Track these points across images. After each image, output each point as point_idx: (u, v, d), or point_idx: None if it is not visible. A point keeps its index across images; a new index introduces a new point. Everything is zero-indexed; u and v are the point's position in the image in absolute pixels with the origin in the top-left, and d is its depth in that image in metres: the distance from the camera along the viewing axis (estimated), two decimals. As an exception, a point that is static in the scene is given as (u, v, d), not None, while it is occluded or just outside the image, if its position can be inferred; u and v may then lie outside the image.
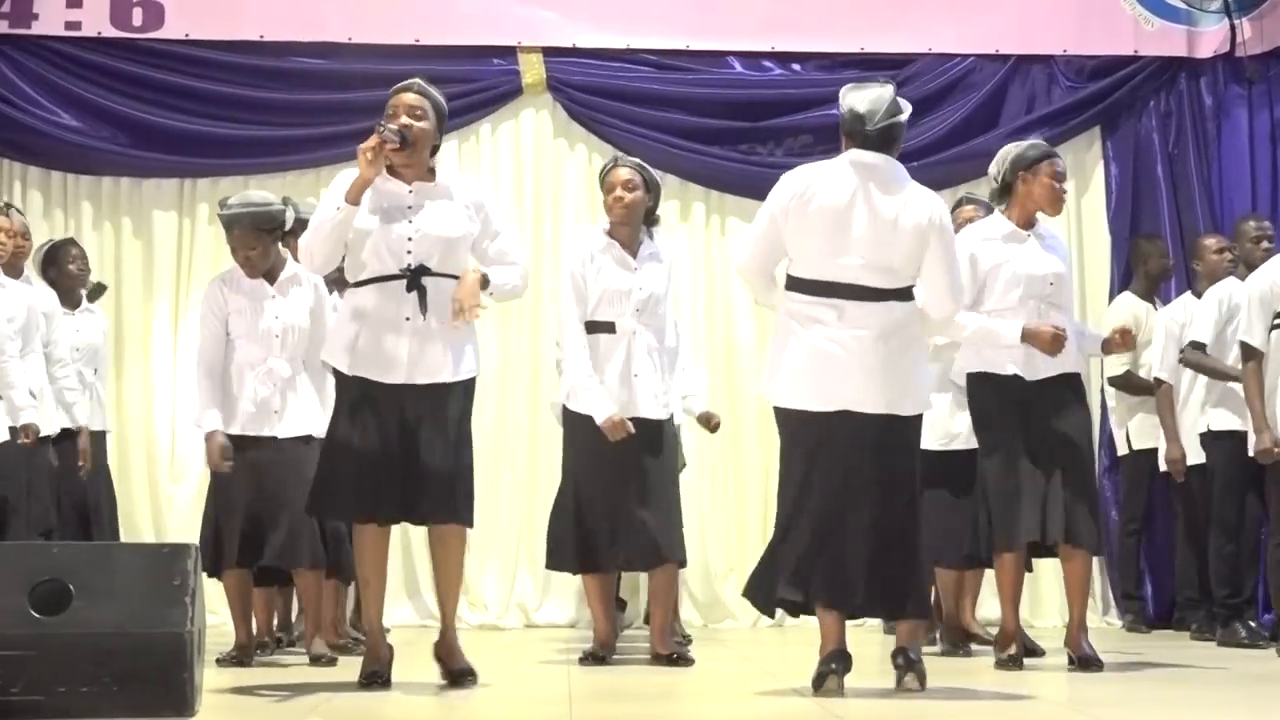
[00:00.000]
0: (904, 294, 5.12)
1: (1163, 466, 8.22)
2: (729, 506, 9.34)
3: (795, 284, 5.11)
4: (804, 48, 9.62)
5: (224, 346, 6.30)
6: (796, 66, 9.68)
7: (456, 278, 5.13)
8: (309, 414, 6.35)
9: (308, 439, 6.28)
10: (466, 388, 5.24)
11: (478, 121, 9.52)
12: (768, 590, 5.18)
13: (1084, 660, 6.10)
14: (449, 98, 8.13)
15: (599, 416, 6.10)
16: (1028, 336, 5.95)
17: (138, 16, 9.22)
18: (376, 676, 5.29)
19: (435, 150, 5.24)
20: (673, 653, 6.40)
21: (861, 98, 5.15)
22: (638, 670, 6.20)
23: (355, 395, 5.16)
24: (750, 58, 9.65)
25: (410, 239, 5.08)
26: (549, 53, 9.44)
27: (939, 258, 5.11)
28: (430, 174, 5.22)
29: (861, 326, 5.01)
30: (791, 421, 5.10)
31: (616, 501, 6.25)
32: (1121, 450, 8.86)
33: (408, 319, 5.10)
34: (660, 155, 8.53)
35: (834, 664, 5.03)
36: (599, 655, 6.42)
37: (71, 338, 7.87)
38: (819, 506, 5.04)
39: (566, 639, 7.92)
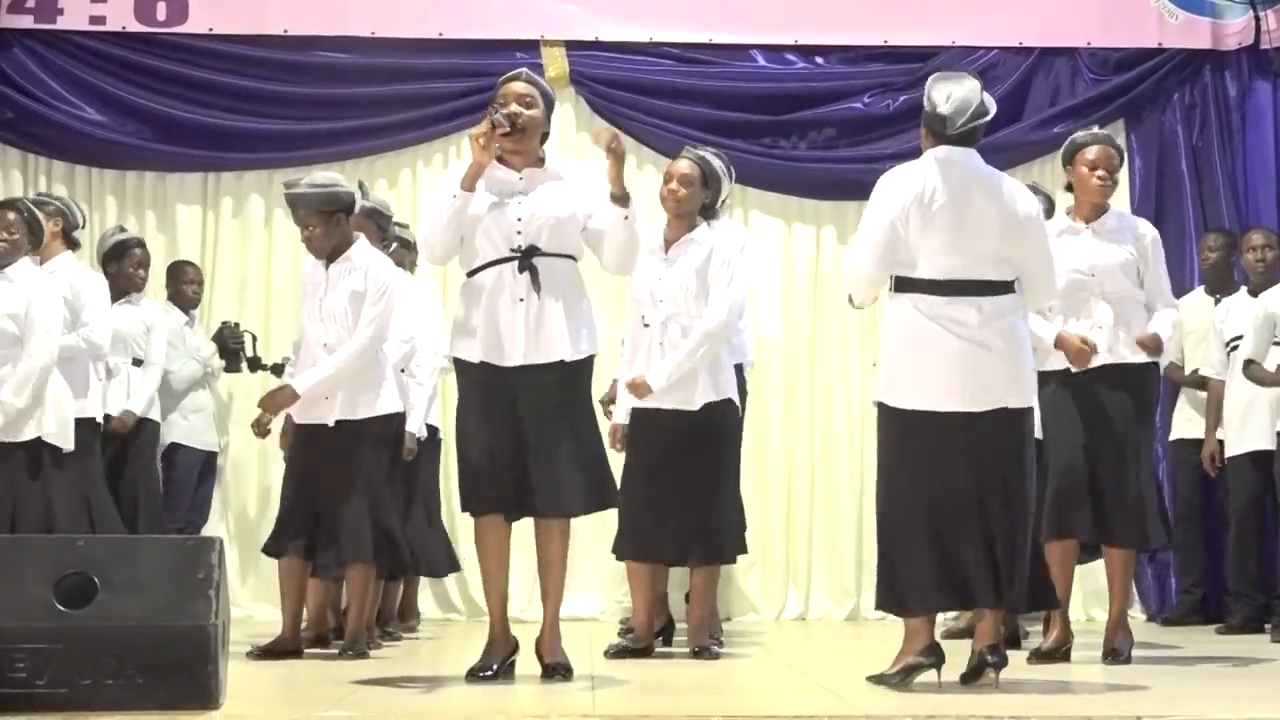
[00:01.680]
0: (1012, 286, 5.14)
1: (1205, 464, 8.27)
2: (751, 501, 8.97)
3: (925, 286, 5.05)
4: (827, 41, 9.62)
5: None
6: (820, 60, 9.68)
7: (568, 257, 5.17)
8: (360, 397, 6.34)
9: (361, 424, 6.30)
10: (586, 367, 5.23)
11: (501, 115, 9.38)
12: (898, 594, 5.12)
13: (1113, 652, 6.12)
14: (472, 92, 8.76)
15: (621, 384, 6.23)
16: (1059, 343, 6.04)
17: (162, 11, 9.26)
18: (484, 669, 5.28)
19: (545, 138, 5.27)
20: (696, 647, 6.39)
21: (945, 95, 5.09)
22: (662, 664, 6.18)
23: (478, 384, 5.17)
24: (773, 51, 9.65)
25: (520, 219, 5.11)
26: (572, 46, 9.45)
27: (1039, 247, 5.13)
28: (540, 162, 5.25)
29: (999, 321, 5.02)
30: (928, 423, 5.01)
31: (664, 495, 6.26)
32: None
33: (521, 300, 5.10)
34: (682, 149, 8.08)
35: (930, 658, 5.02)
36: (631, 648, 6.41)
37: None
38: (955, 509, 5.00)
39: (591, 632, 7.78)
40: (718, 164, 6.45)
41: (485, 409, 5.12)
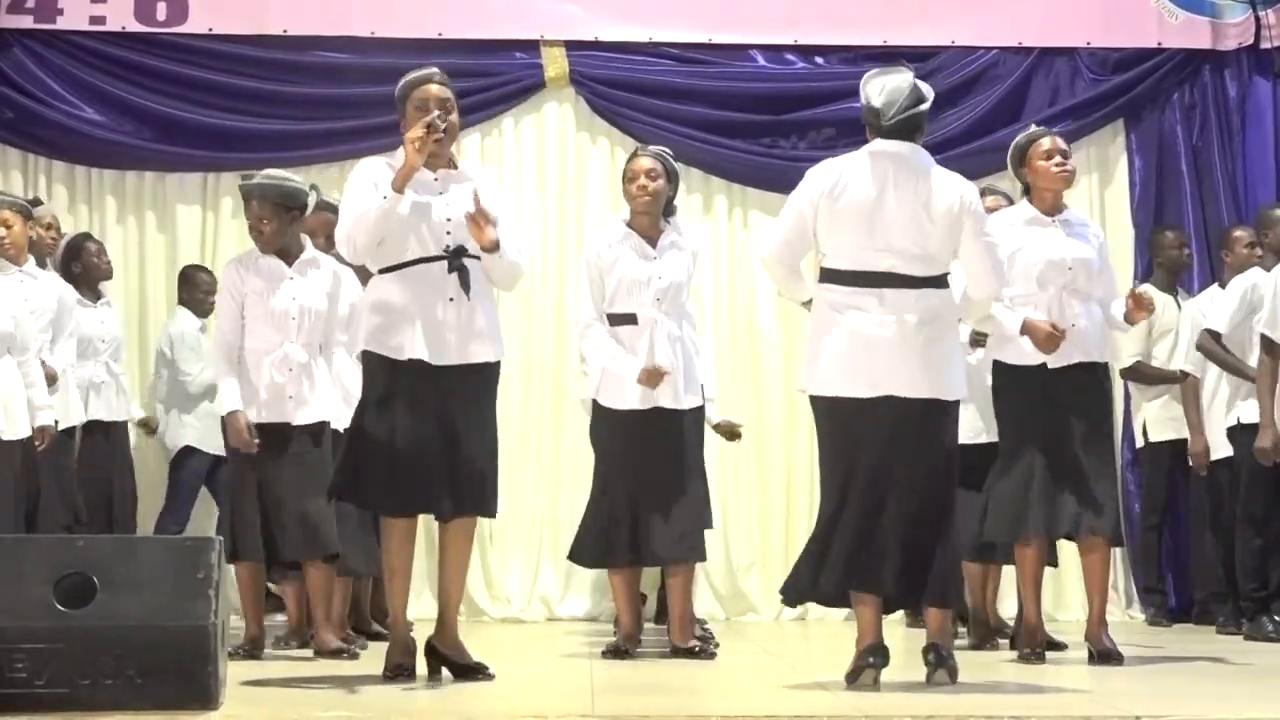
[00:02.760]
0: (939, 281, 5.12)
1: (1191, 462, 8.18)
2: (751, 500, 9.29)
3: (831, 275, 5.11)
4: (827, 41, 9.56)
5: (240, 329, 6.24)
6: (819, 60, 9.62)
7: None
8: (326, 402, 6.31)
9: (323, 427, 6.27)
10: (498, 370, 5.27)
11: (500, 115, 9.49)
12: (807, 582, 5.16)
13: (1104, 654, 6.09)
14: (472, 92, 8.64)
15: (630, 373, 6.09)
16: (1026, 329, 5.96)
17: (161, 11, 9.21)
18: (402, 669, 5.26)
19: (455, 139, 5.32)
20: (694, 646, 6.37)
21: (878, 89, 5.13)
22: (660, 664, 6.17)
23: (388, 382, 5.12)
24: (773, 51, 9.60)
25: (449, 219, 5.09)
26: (572, 46, 9.41)
27: (974, 238, 5.11)
28: (452, 163, 5.27)
29: (902, 313, 5.01)
30: (834, 410, 5.09)
31: (641, 496, 6.24)
32: (1139, 442, 8.82)
33: (452, 299, 5.10)
34: (682, 148, 8.41)
35: (872, 658, 5.02)
36: (623, 649, 6.38)
37: (98, 329, 7.97)
38: (861, 495, 5.04)
39: (588, 632, 7.88)
40: (671, 161, 6.49)
41: (413, 406, 5.08)
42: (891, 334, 5.00)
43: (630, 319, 6.26)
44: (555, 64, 9.40)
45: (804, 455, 9.05)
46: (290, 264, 6.28)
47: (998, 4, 9.54)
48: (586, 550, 6.45)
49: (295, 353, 6.22)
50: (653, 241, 6.28)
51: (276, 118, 9.38)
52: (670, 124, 9.34)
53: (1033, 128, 6.43)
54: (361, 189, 5.09)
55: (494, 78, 9.32)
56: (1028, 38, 9.57)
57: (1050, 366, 6.01)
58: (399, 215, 5.04)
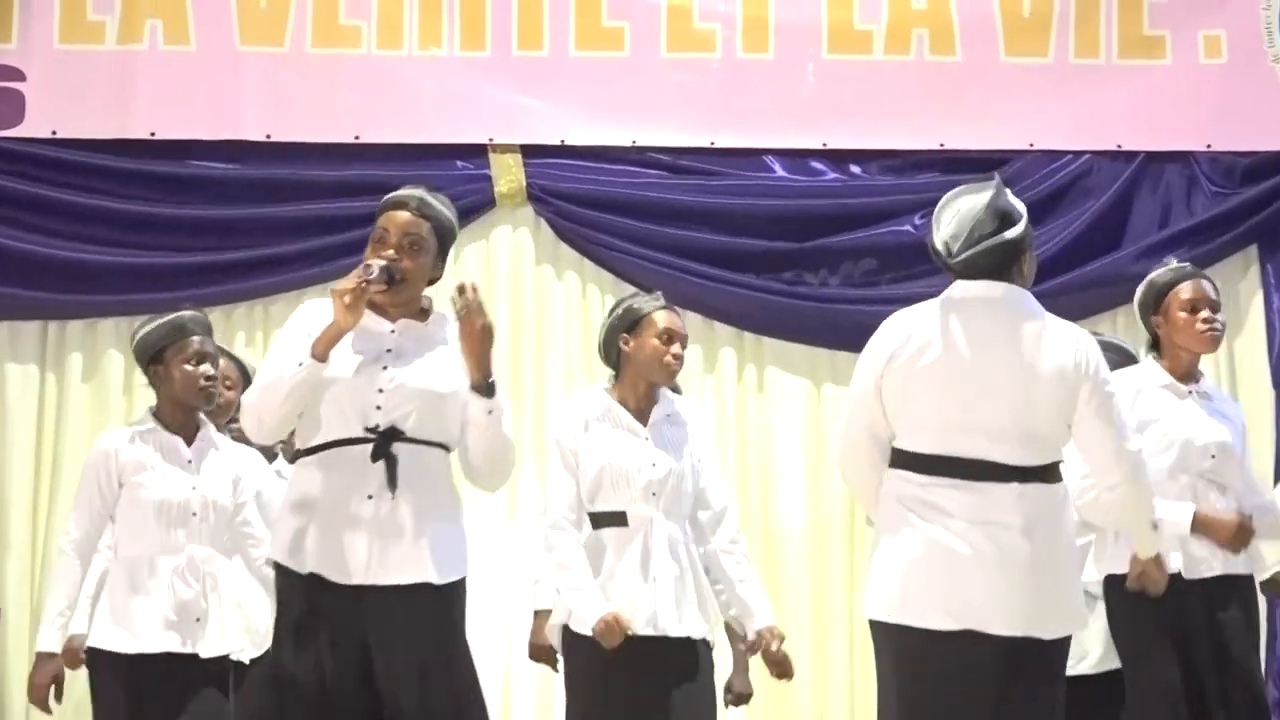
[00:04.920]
0: (1050, 473, 4.54)
1: None
2: None
3: (904, 460, 4.56)
4: (865, 144, 8.39)
5: (102, 531, 5.56)
6: (856, 168, 8.45)
7: (441, 446, 4.66)
8: (235, 625, 5.77)
9: (223, 661, 5.60)
10: (454, 592, 4.67)
11: (436, 244, 8.11)
12: None
13: None
14: None
15: (590, 617, 5.39)
16: (1202, 525, 5.45)
17: (-11, 109, 8.10)
18: None
19: (433, 281, 4.81)
20: None
21: (950, 215, 4.58)
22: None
23: (305, 605, 4.61)
24: (795, 157, 8.41)
25: (381, 391, 4.59)
26: (530, 152, 8.23)
27: (1096, 411, 4.53)
28: (422, 313, 4.76)
29: (998, 515, 4.47)
30: (900, 644, 4.55)
31: None
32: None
33: (370, 497, 4.57)
34: (677, 286, 7.36)
35: None
36: None
37: None
38: None
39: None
40: None
41: (309, 639, 4.56)
42: (983, 544, 4.46)
43: (617, 518, 5.51)
44: (508, 175, 8.17)
45: (839, 668, 8.10)
46: (190, 442, 5.57)
47: (1088, 96, 8.36)
48: None
49: (201, 555, 5.54)
50: (643, 416, 5.58)
51: (140, 248, 8.07)
52: (659, 253, 8.17)
53: (1173, 264, 5.89)
54: (285, 346, 4.64)
55: (427, 195, 7.96)
56: (1130, 140, 8.43)
57: (1186, 577, 5.46)
58: (323, 381, 4.57)
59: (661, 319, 5.58)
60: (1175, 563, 5.40)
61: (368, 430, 4.58)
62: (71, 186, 8.01)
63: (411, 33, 7.98)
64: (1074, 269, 8.07)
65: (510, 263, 8.19)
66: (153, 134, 8.00)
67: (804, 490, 8.05)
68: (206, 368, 5.50)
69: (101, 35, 7.86)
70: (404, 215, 4.68)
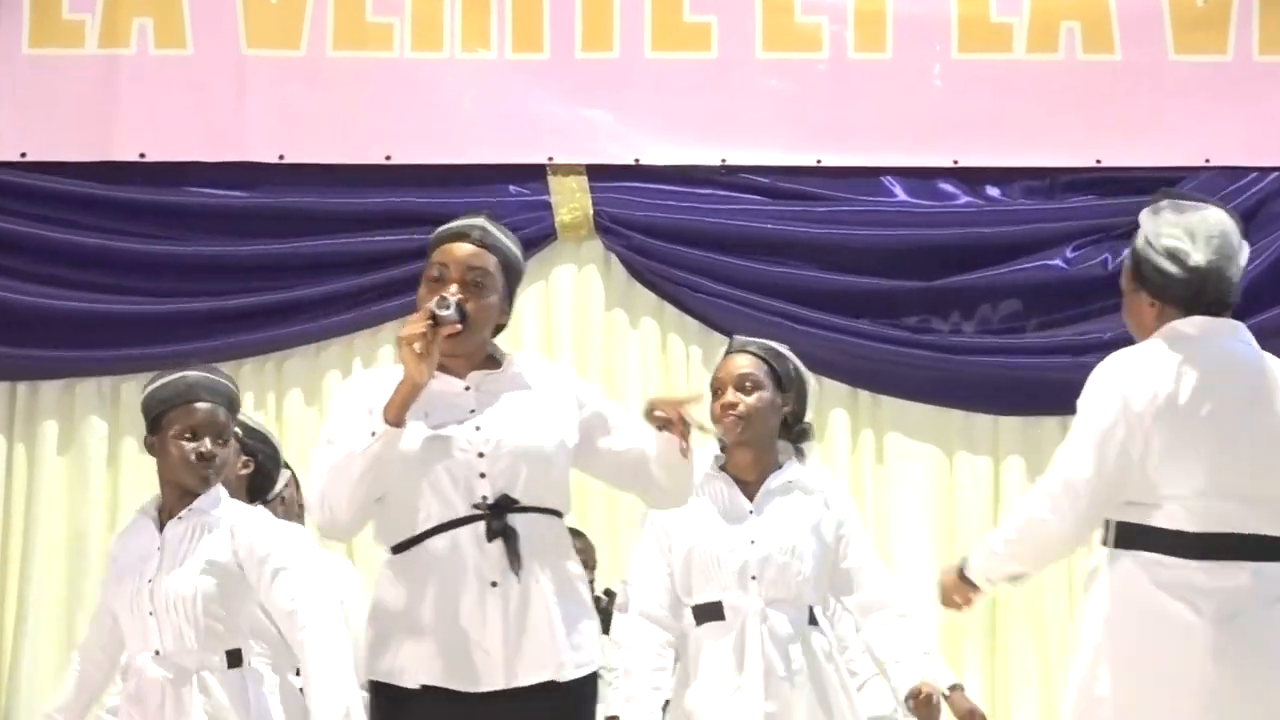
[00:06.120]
0: None
1: None
2: None
3: (1167, 541, 4.07)
4: (1005, 161, 7.67)
5: (112, 638, 5.15)
6: (993, 191, 7.74)
7: (555, 513, 4.29)
8: None
9: None
10: (591, 687, 4.35)
11: (484, 284, 7.47)
12: None
13: None
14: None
15: None
16: None
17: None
18: None
19: (500, 328, 4.42)
20: None
21: (1187, 233, 4.18)
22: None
23: None
24: (919, 178, 7.73)
25: (482, 455, 4.18)
26: (597, 174, 7.55)
27: None
28: (491, 360, 4.39)
29: None
30: None
31: None
32: None
33: (494, 584, 4.17)
34: (777, 334, 6.43)
35: None
36: None
37: None
38: None
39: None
40: (793, 359, 5.62)
41: None
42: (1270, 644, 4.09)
43: (714, 611, 5.20)
44: (571, 202, 7.51)
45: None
46: (161, 526, 5.13)
47: (1277, 101, 7.69)
48: None
49: (150, 669, 5.02)
50: (752, 489, 5.28)
51: (127, 293, 7.45)
52: (756, 295, 7.49)
53: None
54: (345, 424, 4.26)
55: (474, 226, 7.29)
56: (1330, 151, 7.82)
57: None
58: (401, 457, 4.19)
59: (721, 370, 5.39)
60: None
61: (475, 507, 4.25)
62: (45, 220, 7.40)
63: (453, 33, 7.41)
64: (1266, 308, 7.34)
65: (575, 307, 7.56)
66: (142, 156, 7.42)
67: (932, 568, 7.20)
68: (204, 444, 4.97)
69: (80, 37, 7.35)
70: (465, 248, 4.31)
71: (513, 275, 4.38)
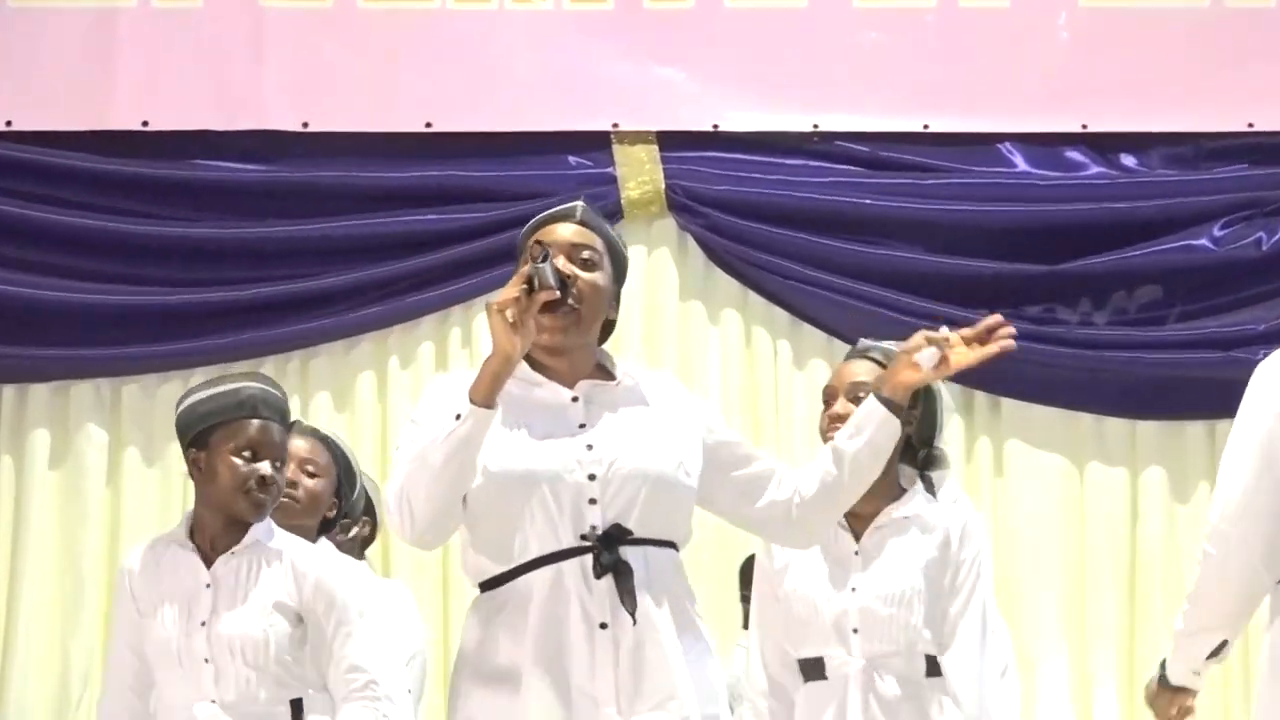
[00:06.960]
0: None
1: None
2: None
3: None
4: (1141, 126, 7.08)
5: (140, 681, 4.66)
6: (1129, 160, 7.13)
7: (672, 546, 3.98)
8: None
9: None
10: None
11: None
12: None
13: None
14: (485, 230, 7.05)
15: None
16: None
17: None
18: None
19: (609, 330, 4.07)
20: None
21: None
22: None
23: None
24: (1043, 145, 7.13)
25: (594, 478, 3.86)
26: (669, 142, 6.99)
27: None
28: (602, 370, 4.00)
29: None
30: None
31: None
32: None
33: (603, 626, 3.84)
34: (878, 327, 6.05)
35: None
36: None
37: None
38: None
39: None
40: None
41: None
42: None
43: (817, 669, 4.74)
44: (640, 175, 6.98)
45: None
46: (209, 562, 4.65)
47: None
48: None
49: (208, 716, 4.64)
50: (861, 525, 4.74)
51: (128, 282, 6.93)
52: (853, 282, 6.96)
53: None
54: (428, 421, 3.91)
55: (524, 203, 7.01)
56: None
57: None
58: (493, 474, 3.86)
59: (835, 378, 5.03)
60: None
61: (583, 537, 3.96)
62: (34, 198, 6.92)
63: (504, -19, 7.15)
64: None
65: (645, 296, 6.96)
66: (145, 124, 6.92)
67: (1061, 607, 6.78)
68: (264, 466, 4.61)
69: (71, -13, 7.11)
70: (569, 227, 4.03)
71: (619, 264, 4.07)
